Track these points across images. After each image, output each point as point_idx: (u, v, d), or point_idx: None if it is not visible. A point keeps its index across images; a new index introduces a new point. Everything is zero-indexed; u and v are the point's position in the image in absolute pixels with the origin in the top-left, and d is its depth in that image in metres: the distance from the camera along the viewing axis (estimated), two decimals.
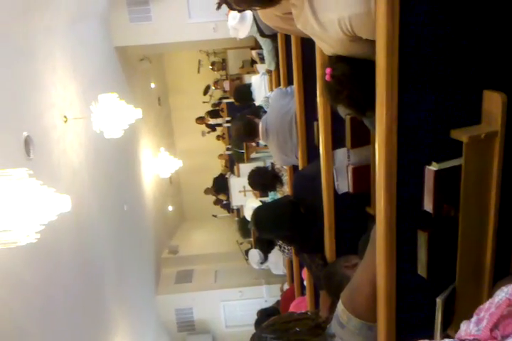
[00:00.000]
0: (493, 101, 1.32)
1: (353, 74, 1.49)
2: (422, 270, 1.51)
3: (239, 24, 4.14)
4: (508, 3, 1.27)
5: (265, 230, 2.71)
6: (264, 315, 5.22)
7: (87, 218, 5.27)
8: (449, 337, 1.54)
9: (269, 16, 1.82)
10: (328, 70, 1.54)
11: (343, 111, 2.03)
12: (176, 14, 7.16)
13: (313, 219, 2.52)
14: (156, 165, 8.39)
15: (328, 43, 1.47)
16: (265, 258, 5.42)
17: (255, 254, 5.41)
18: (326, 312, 2.43)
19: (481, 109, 1.36)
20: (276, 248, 4.66)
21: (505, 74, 1.36)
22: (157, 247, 9.36)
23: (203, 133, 11.10)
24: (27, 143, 3.96)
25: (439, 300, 1.52)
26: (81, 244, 5.06)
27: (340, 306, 1.71)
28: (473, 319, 0.91)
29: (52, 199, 3.05)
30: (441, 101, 1.33)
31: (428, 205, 1.40)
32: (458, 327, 0.97)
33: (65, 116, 4.89)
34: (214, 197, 10.60)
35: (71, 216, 3.94)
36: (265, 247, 5.04)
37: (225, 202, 10.22)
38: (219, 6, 1.56)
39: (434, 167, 1.35)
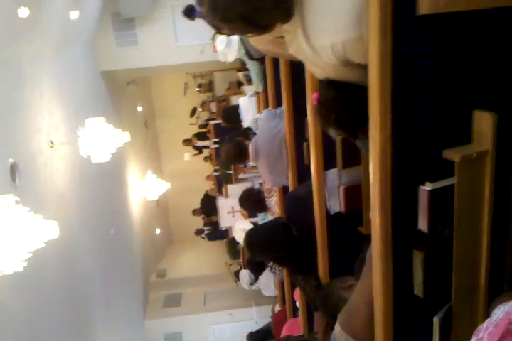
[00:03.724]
0: (483, 121, 1.35)
1: (339, 100, 1.52)
2: (418, 290, 1.51)
3: (227, 48, 4.23)
4: (497, 28, 1.32)
5: (258, 252, 2.70)
6: (256, 339, 5.13)
7: (73, 243, 5.18)
8: None
9: (260, 41, 1.85)
10: (314, 95, 1.58)
11: (333, 132, 2.06)
12: (162, 38, 7.26)
13: (306, 240, 2.52)
14: (143, 188, 8.34)
15: (321, 68, 1.50)
16: (255, 279, 5.36)
17: (245, 275, 5.36)
18: (321, 334, 2.40)
19: (470, 128, 1.40)
20: (267, 269, 4.62)
21: (494, 94, 1.40)
22: (145, 271, 9.22)
23: (188, 156, 11.07)
24: (13, 169, 3.92)
25: (435, 320, 1.52)
26: (67, 269, 4.96)
27: (337, 328, 1.70)
28: (473, 340, 0.91)
29: (39, 226, 3.01)
30: (434, 122, 1.36)
31: (423, 225, 1.41)
32: None
33: (51, 142, 4.86)
34: (202, 219, 10.52)
35: (57, 242, 3.86)
36: (256, 269, 4.99)
37: (206, 232, 10.13)
38: (218, 31, 1.59)
39: (427, 187, 1.36)
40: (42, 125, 4.71)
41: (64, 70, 5.66)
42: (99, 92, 7.31)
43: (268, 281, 5.22)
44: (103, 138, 4.63)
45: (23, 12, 4.02)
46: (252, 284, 5.35)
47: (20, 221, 2.90)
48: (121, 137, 4.84)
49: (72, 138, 4.91)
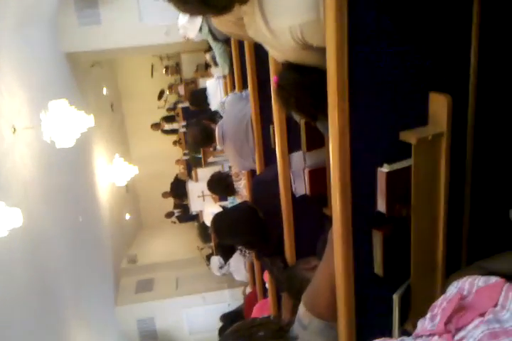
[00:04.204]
0: (439, 103, 1.38)
1: (299, 83, 1.53)
2: (378, 268, 1.55)
3: (188, 23, 4.13)
4: (453, 9, 1.33)
5: (225, 236, 2.71)
6: (228, 320, 5.20)
7: (40, 232, 5.08)
8: (406, 332, 1.60)
9: (222, 22, 1.82)
10: (275, 78, 1.58)
11: (296, 115, 2.06)
12: (126, 17, 7.04)
13: (272, 222, 2.54)
14: (111, 173, 8.21)
15: (280, 51, 1.49)
16: (225, 263, 5.40)
17: (216, 261, 5.39)
18: (288, 315, 2.45)
19: (427, 110, 1.42)
20: (238, 252, 4.65)
21: (450, 76, 1.42)
22: (115, 257, 9.14)
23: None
24: None
25: (395, 297, 1.57)
26: (36, 258, 4.87)
27: (301, 308, 1.73)
28: (428, 315, 0.94)
29: (1, 213, 2.94)
30: (391, 104, 1.38)
31: (381, 206, 1.44)
32: (415, 322, 1.01)
33: (13, 127, 4.70)
34: (173, 203, 10.47)
35: (24, 230, 3.79)
36: (226, 252, 5.03)
37: (177, 215, 10.11)
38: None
39: (385, 168, 1.39)
40: (2, 108, 4.54)
41: (25, 49, 5.44)
42: (63, 74, 7.08)
43: (239, 265, 5.26)
44: (67, 122, 4.51)
45: None
46: (221, 268, 5.38)
47: None
48: (86, 120, 4.71)
49: (35, 122, 4.76)
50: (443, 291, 1.02)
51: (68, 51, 7.07)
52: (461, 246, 1.65)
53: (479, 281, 0.94)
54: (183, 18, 4.12)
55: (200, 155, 7.20)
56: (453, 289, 0.98)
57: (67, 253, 6.02)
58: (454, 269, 1.58)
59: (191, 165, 8.26)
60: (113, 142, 10.21)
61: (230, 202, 5.18)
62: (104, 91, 10.29)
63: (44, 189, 5.40)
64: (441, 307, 0.93)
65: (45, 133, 4.41)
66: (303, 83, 1.52)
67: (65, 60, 7.15)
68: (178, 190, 9.57)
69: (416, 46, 1.33)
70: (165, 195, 10.28)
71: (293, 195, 2.42)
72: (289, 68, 1.55)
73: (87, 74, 8.72)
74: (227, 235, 2.69)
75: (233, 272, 5.46)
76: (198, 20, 3.98)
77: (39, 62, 5.99)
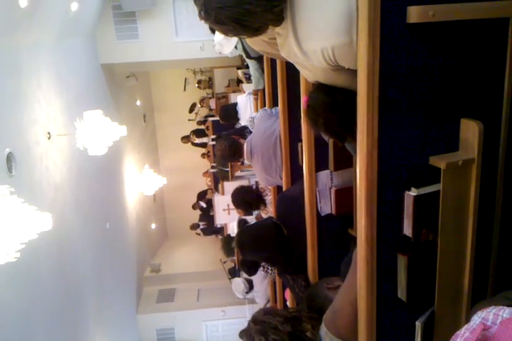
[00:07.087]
0: (470, 130, 1.37)
1: (328, 104, 1.54)
2: (401, 293, 1.53)
3: (225, 40, 4.22)
4: (484, 36, 1.33)
5: (248, 252, 2.70)
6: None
7: (68, 236, 5.20)
8: None
9: (255, 41, 1.86)
10: (304, 99, 1.60)
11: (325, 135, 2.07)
12: (163, 33, 7.25)
13: (297, 240, 2.53)
14: (140, 183, 8.35)
15: (311, 71, 1.51)
16: (250, 288, 5.31)
17: (239, 283, 5.30)
18: None
19: (458, 136, 1.41)
20: (260, 269, 4.62)
21: (482, 103, 1.41)
22: (139, 265, 9.23)
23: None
24: (9, 159, 3.92)
25: (418, 324, 1.54)
26: (62, 262, 4.97)
27: (323, 328, 1.72)
28: None
29: (33, 217, 3.02)
30: (421, 128, 1.38)
31: (407, 230, 1.42)
32: None
33: (48, 133, 4.87)
34: (198, 215, 10.55)
35: (52, 234, 3.88)
36: (249, 269, 4.99)
37: (202, 227, 10.17)
38: (213, 31, 1.60)
39: (413, 192, 1.38)
40: (39, 115, 4.71)
41: (63, 60, 5.66)
42: (99, 85, 7.31)
43: (261, 289, 5.13)
44: (100, 131, 4.64)
45: (23, 1, 4.03)
46: (247, 293, 5.27)
47: (14, 211, 2.92)
48: (118, 130, 4.85)
49: (70, 129, 4.92)
50: (468, 320, 1.00)
51: (104, 62, 7.31)
52: (489, 275, 1.61)
53: (504, 312, 0.92)
54: (219, 35, 4.21)
55: (228, 169, 7.25)
56: (476, 319, 0.96)
57: (92, 258, 6.12)
58: (480, 298, 1.54)
59: (218, 178, 8.33)
60: (143, 152, 10.41)
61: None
62: (138, 102, 10.54)
63: (74, 194, 5.53)
64: (463, 337, 0.92)
65: (79, 141, 4.55)
66: (332, 105, 1.53)
67: (101, 70, 7.38)
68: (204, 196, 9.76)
69: (449, 71, 1.33)
70: (194, 206, 10.39)
71: (318, 214, 2.41)
72: (319, 89, 1.56)
73: (121, 86, 8.97)
74: (249, 250, 2.69)
75: (256, 295, 5.35)
76: (234, 37, 4.06)
77: (76, 73, 6.20)
